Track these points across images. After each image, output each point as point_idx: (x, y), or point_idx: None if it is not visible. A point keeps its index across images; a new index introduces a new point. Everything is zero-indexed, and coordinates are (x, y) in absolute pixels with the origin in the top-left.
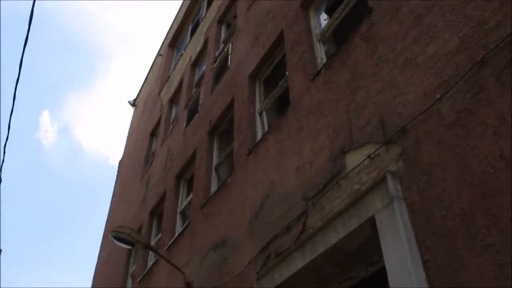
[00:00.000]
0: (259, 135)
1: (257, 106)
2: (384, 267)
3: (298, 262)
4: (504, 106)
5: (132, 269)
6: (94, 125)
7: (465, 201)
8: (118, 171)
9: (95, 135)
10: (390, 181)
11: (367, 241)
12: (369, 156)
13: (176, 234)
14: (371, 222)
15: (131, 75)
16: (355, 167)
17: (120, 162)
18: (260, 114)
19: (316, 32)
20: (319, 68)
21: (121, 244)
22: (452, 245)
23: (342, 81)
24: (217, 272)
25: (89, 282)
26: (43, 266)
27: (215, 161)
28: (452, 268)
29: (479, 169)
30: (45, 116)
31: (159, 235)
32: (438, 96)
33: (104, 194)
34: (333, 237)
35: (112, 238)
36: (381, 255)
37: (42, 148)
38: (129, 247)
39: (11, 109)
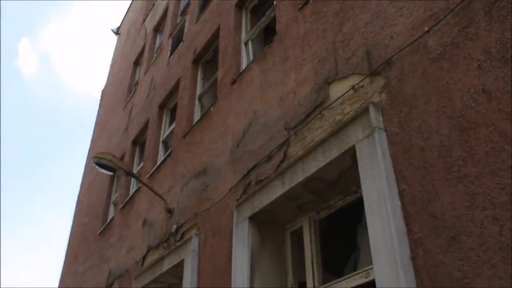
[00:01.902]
0: (244, 65)
1: (243, 36)
2: (361, 197)
3: (277, 190)
4: (491, 40)
5: (114, 197)
6: (75, 53)
7: (444, 133)
8: (101, 100)
9: (77, 64)
10: (372, 112)
11: (347, 170)
12: (353, 87)
13: (158, 163)
14: (351, 152)
15: (114, 3)
16: (339, 97)
17: (103, 91)
18: (246, 43)
19: None
20: None
21: (103, 171)
22: (428, 176)
23: (330, 11)
24: (197, 199)
25: (72, 209)
26: (27, 196)
27: (198, 90)
28: (426, 198)
29: (460, 102)
30: (25, 44)
31: (142, 163)
32: (426, 28)
33: (86, 123)
34: (313, 166)
35: (93, 164)
36: (359, 186)
37: (23, 76)
38: (111, 173)
39: None
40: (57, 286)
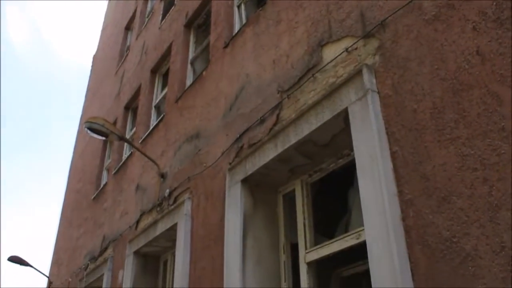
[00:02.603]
0: (236, 28)
1: None
2: (353, 160)
3: (270, 153)
4: (487, 1)
5: (107, 162)
6: (65, 19)
7: (437, 95)
8: (92, 66)
9: (67, 30)
10: (365, 74)
11: (339, 133)
12: (346, 50)
13: (151, 127)
14: (344, 115)
15: None
16: (332, 60)
17: (94, 57)
18: (239, 6)
19: None
20: None
21: (95, 135)
22: (420, 138)
23: None
24: (190, 163)
25: (65, 175)
26: (22, 161)
27: (191, 55)
28: (418, 159)
29: (454, 64)
30: (13, 10)
31: (134, 129)
32: None
33: (78, 90)
34: (305, 129)
35: (86, 129)
36: (351, 148)
37: (13, 44)
38: (103, 138)
39: None
40: (52, 253)
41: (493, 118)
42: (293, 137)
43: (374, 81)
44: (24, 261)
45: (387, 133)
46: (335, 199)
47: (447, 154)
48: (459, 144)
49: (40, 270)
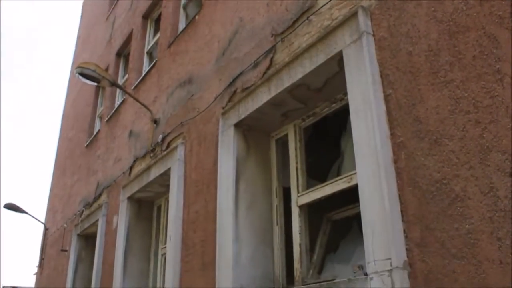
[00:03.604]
0: None
1: None
2: (346, 105)
3: (263, 97)
4: None
5: (99, 110)
6: None
7: (433, 38)
8: (82, 12)
9: None
10: (360, 17)
11: (333, 77)
12: None
13: (143, 74)
14: (338, 58)
15: None
16: (327, 2)
17: (84, 2)
18: None
19: None
20: None
21: (87, 81)
22: (414, 80)
23: None
24: (183, 108)
25: (58, 124)
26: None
27: None
28: (411, 102)
29: (451, 6)
30: None
31: (126, 75)
32: None
33: (69, 37)
34: (299, 72)
35: (77, 75)
36: (345, 93)
37: None
38: (95, 84)
39: None
40: (47, 200)
41: (488, 60)
42: (286, 81)
43: (370, 23)
44: (20, 208)
45: (381, 75)
46: (328, 144)
47: (441, 96)
48: (453, 87)
49: (36, 217)
